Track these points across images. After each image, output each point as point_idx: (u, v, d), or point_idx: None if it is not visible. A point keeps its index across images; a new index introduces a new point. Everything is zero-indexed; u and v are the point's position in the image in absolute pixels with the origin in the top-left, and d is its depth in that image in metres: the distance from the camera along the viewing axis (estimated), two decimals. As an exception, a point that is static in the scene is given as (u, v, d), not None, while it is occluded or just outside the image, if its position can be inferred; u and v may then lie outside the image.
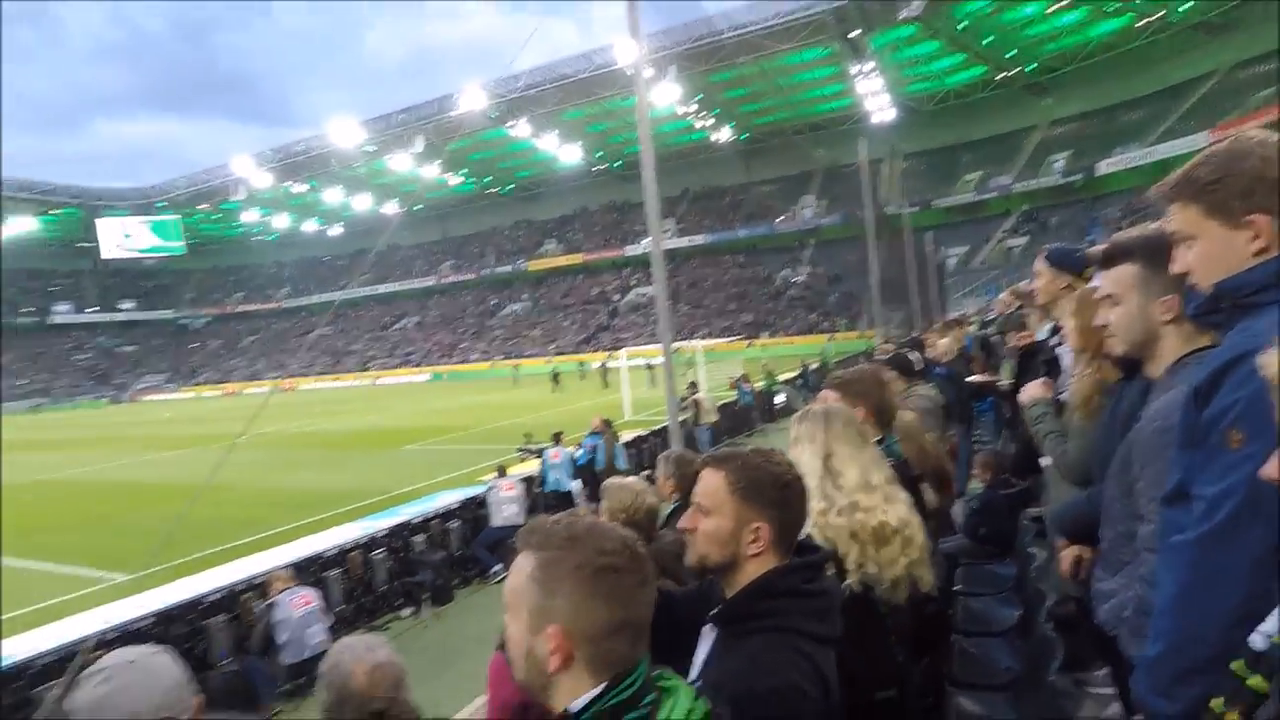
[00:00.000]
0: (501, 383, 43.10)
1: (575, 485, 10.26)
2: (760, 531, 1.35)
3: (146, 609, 6.29)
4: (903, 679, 1.84)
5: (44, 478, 19.40)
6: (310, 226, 76.24)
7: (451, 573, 8.37)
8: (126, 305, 77.10)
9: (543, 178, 65.10)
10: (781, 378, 19.62)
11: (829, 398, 2.57)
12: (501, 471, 9.35)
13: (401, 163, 56.64)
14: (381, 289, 71.60)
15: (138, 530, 12.15)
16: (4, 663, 5.31)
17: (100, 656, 1.36)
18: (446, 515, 9.00)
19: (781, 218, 54.53)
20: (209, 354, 74.01)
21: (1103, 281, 1.73)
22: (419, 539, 8.38)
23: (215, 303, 79.54)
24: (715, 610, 1.37)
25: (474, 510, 9.15)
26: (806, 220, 53.11)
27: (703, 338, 35.31)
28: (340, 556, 7.69)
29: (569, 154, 56.77)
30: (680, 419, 8.32)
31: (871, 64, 41.23)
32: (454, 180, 65.04)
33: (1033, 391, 2.55)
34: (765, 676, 1.20)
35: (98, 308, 75.52)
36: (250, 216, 71.73)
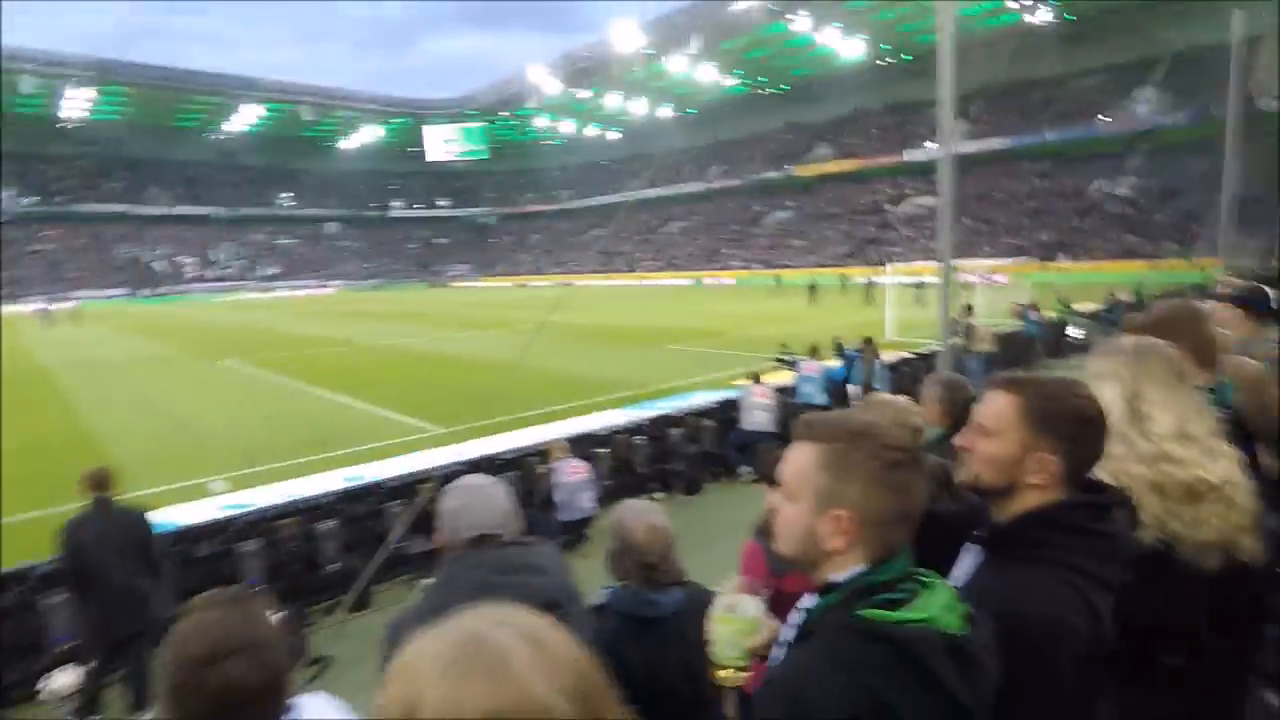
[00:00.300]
0: (759, 291, 43.12)
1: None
2: (1047, 463, 1.28)
3: (462, 456, 7.62)
4: (1196, 651, 1.65)
5: (385, 343, 23.85)
6: (591, 131, 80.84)
7: (702, 467, 8.90)
8: (443, 203, 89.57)
9: (820, 76, 61.50)
10: (1079, 308, 17.15)
11: (1152, 331, 2.18)
12: (756, 378, 9.54)
13: (678, 64, 57.02)
14: (651, 193, 74.38)
15: (451, 393, 14.53)
16: (370, 480, 6.92)
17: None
18: (702, 413, 9.49)
19: (1106, 117, 45.92)
20: (503, 249, 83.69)
21: None
22: (676, 431, 8.98)
23: (510, 202, 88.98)
24: (985, 531, 1.34)
25: (727, 412, 9.53)
26: (1140, 119, 44.16)
27: (988, 257, 31.83)
28: (608, 438, 8.56)
29: (850, 48, 52.78)
30: (950, 344, 7.73)
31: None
32: (728, 81, 64.09)
33: None
34: (1036, 603, 1.17)
35: (422, 204, 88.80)
36: (541, 122, 77.93)
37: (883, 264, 34.78)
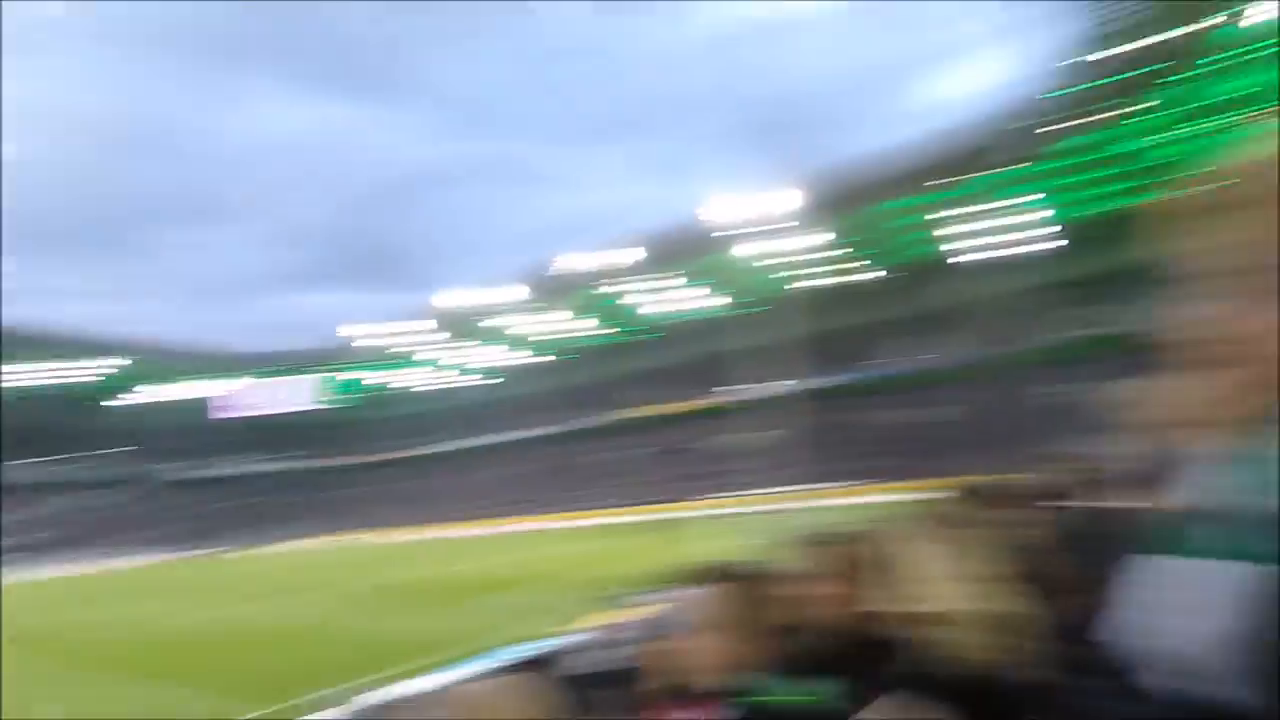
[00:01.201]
0: (606, 532, 42.71)
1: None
2: None
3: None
4: None
5: (172, 622, 20.63)
6: (453, 378, 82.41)
7: None
8: (266, 458, 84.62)
9: (660, 327, 67.69)
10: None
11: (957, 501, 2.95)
12: (591, 620, 9.08)
13: (543, 316, 61.09)
14: (513, 436, 75.02)
15: (254, 673, 12.52)
16: None
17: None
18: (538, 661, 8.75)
19: (898, 359, 53.23)
20: (346, 501, 78.69)
21: None
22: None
23: (355, 451, 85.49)
24: None
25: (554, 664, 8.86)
26: (926, 362, 51.63)
27: (816, 483, 33.81)
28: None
29: (690, 304, 59.32)
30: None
31: (990, 204, 41.13)
32: (598, 330, 68.89)
33: None
34: None
35: (250, 459, 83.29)
36: (393, 374, 78.73)
37: (719, 497, 35.96)
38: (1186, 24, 24.79)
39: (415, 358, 74.28)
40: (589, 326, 68.37)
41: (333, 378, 79.59)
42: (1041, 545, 4.28)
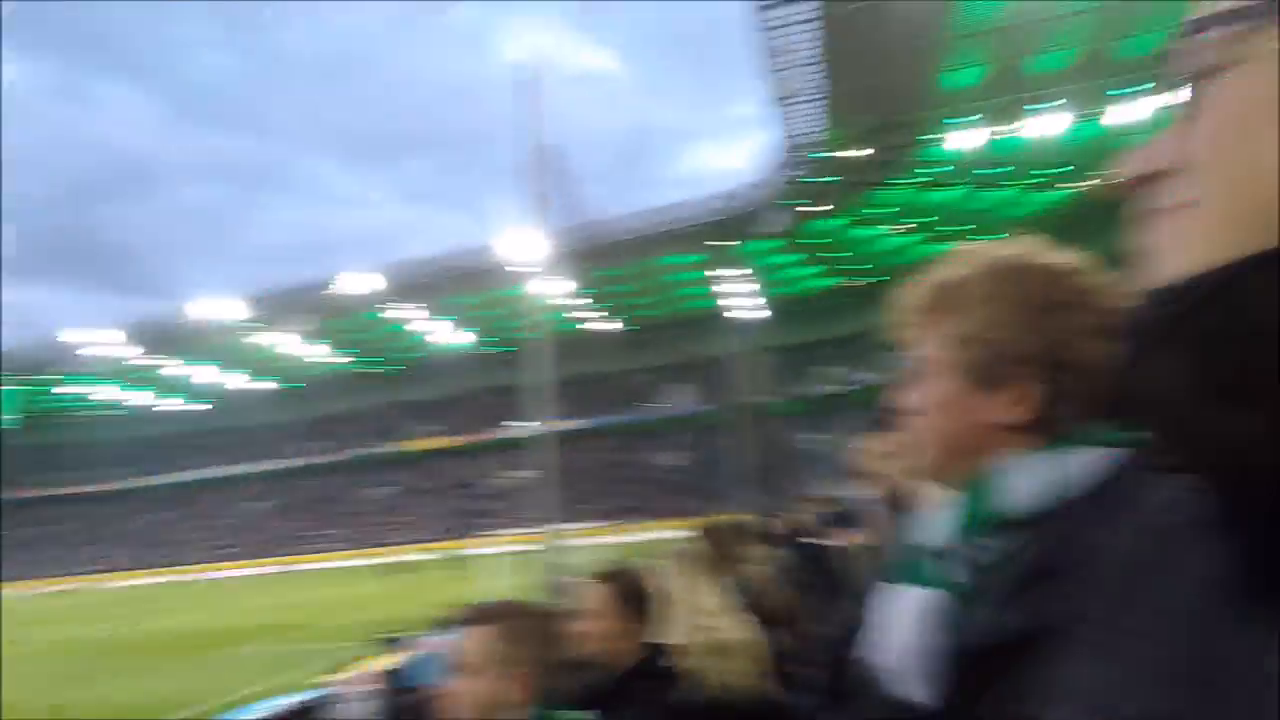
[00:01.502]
0: (359, 573, 39.72)
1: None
2: None
3: None
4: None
5: None
6: (170, 403, 71.23)
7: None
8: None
9: (423, 359, 65.15)
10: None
11: (697, 538, 3.24)
12: (352, 668, 8.44)
13: (277, 340, 55.31)
14: (237, 469, 66.59)
15: None
16: None
17: None
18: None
19: (658, 404, 56.82)
20: (23, 540, 64.36)
21: None
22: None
23: (39, 484, 70.52)
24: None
25: (312, 716, 8.11)
26: (682, 407, 55.56)
27: (576, 521, 34.67)
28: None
29: (454, 337, 57.59)
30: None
31: (742, 269, 45.83)
32: (330, 359, 63.74)
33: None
34: None
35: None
36: (103, 391, 66.37)
37: (483, 535, 35.42)
38: (903, 142, 30.03)
39: (135, 372, 63.69)
40: (351, 352, 63.87)
41: (26, 389, 65.08)
42: (778, 578, 4.88)
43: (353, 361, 65.80)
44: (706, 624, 2.31)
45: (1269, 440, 0.30)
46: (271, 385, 68.68)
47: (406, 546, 46.69)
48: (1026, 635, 0.66)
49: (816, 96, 26.40)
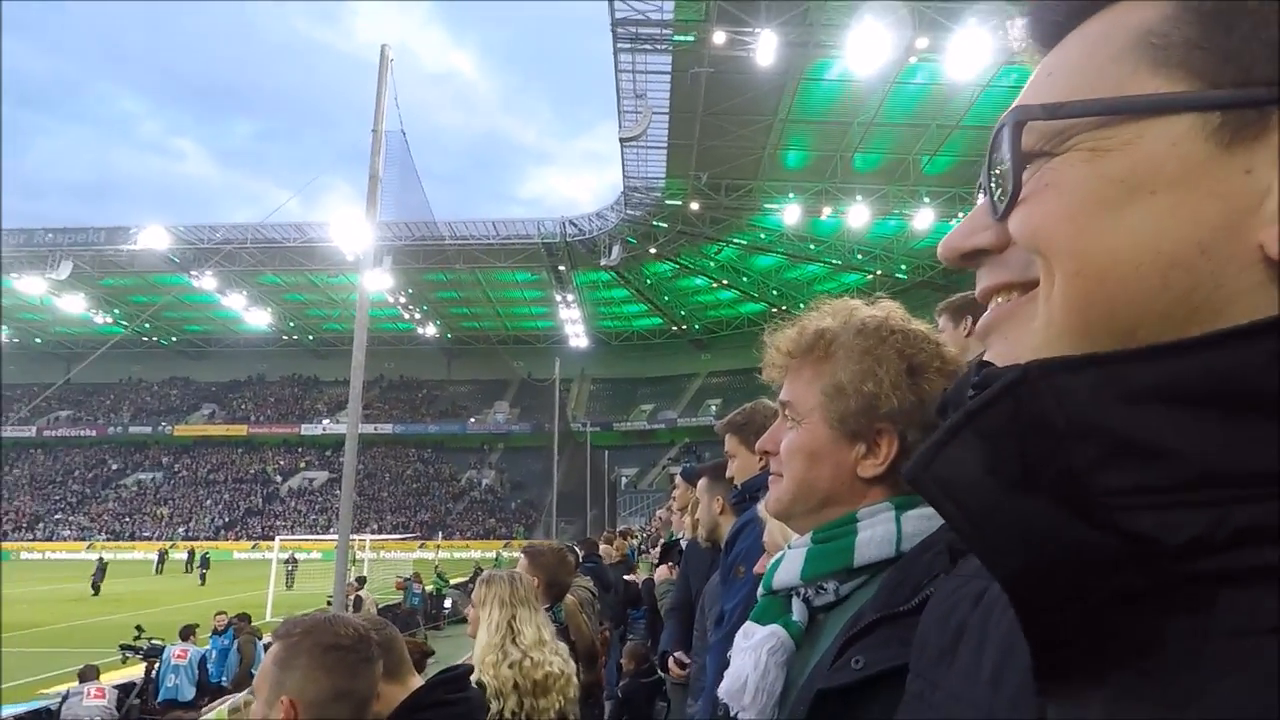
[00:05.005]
0: (107, 565, 34.63)
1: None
2: None
3: None
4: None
5: None
6: None
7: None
8: None
9: (216, 336, 58.82)
10: (454, 581, 18.99)
11: (520, 563, 3.09)
12: (90, 676, 7.53)
13: (33, 286, 47.35)
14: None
15: None
16: None
17: None
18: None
19: (474, 419, 55.50)
20: None
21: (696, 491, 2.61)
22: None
23: None
24: None
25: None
26: (498, 425, 54.68)
27: (373, 532, 32.93)
28: None
29: (255, 318, 52.61)
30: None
31: (572, 296, 46.38)
32: (100, 319, 55.62)
33: (661, 574, 3.31)
34: None
35: None
36: None
37: (269, 537, 32.52)
38: (732, 205, 32.33)
39: None
40: (126, 315, 56.15)
41: None
42: (589, 608, 5.17)
43: (127, 327, 57.82)
44: (524, 658, 2.22)
45: (1043, 538, 0.31)
46: (9, 338, 58.51)
47: (162, 542, 41.50)
48: (864, 678, 0.71)
49: (660, 145, 27.82)
